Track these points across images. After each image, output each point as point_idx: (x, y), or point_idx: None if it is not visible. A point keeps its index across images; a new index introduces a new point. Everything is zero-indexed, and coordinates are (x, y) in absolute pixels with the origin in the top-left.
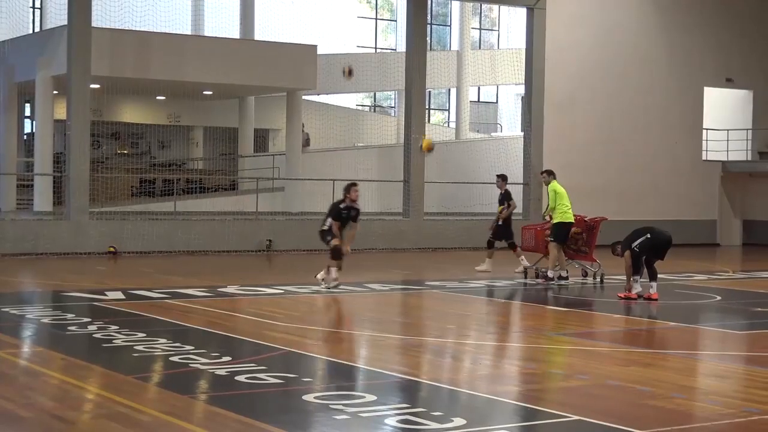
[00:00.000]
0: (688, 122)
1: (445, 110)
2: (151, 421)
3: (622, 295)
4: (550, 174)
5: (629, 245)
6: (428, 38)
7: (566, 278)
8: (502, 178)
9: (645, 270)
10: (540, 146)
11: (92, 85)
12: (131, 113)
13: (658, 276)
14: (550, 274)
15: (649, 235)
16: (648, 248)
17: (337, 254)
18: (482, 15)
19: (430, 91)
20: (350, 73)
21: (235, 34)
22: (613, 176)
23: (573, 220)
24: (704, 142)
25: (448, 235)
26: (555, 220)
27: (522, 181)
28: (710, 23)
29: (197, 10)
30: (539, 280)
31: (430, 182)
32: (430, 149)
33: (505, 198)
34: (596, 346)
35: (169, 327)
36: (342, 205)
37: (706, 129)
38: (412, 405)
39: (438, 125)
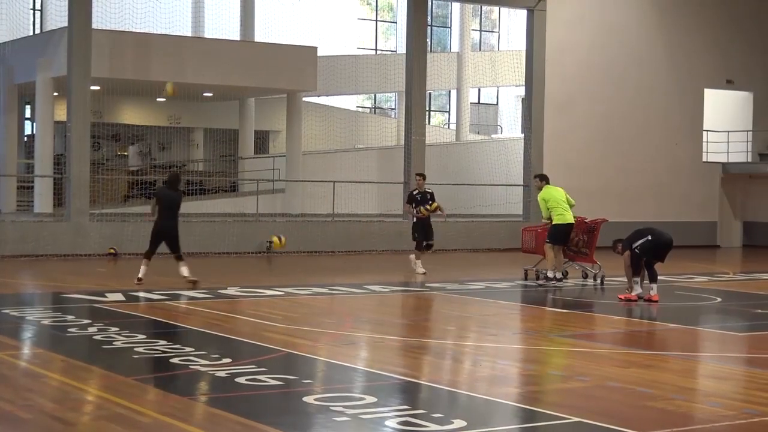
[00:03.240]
0: (689, 124)
1: (446, 112)
2: (151, 422)
3: (623, 297)
4: (542, 179)
5: (630, 245)
6: (428, 40)
7: (559, 279)
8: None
9: (645, 271)
10: (540, 148)
11: (92, 87)
12: (131, 115)
13: (659, 278)
14: (549, 274)
15: (650, 237)
16: (648, 250)
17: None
18: (482, 17)
19: (430, 93)
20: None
21: (236, 35)
22: (613, 177)
23: (571, 221)
24: (704, 144)
25: (448, 236)
26: (554, 222)
27: (522, 183)
28: (710, 25)
29: (197, 11)
30: (540, 281)
31: (430, 184)
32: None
33: (432, 198)
34: (596, 347)
35: (169, 328)
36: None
37: (707, 130)
38: (413, 407)
39: (438, 127)
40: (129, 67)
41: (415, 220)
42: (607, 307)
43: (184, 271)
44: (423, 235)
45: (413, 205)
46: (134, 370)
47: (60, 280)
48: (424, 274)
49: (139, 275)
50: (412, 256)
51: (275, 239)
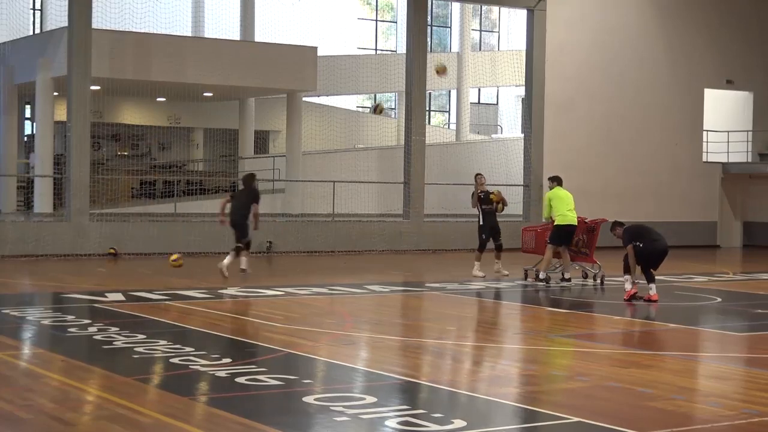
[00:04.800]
0: (689, 124)
1: (446, 112)
2: (152, 422)
3: (626, 296)
4: (553, 180)
5: (631, 241)
6: (428, 40)
7: (546, 280)
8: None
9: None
10: (540, 148)
11: (92, 87)
12: (131, 115)
13: (658, 278)
14: (541, 275)
15: (641, 245)
16: (640, 257)
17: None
18: (482, 16)
19: (430, 93)
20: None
21: (236, 35)
22: (613, 177)
23: (572, 222)
24: (704, 144)
25: (448, 236)
26: (556, 222)
27: (522, 183)
28: (710, 25)
29: (197, 11)
30: (538, 282)
31: (431, 184)
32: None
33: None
34: (596, 347)
35: (170, 328)
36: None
37: (707, 130)
38: (413, 407)
39: (438, 127)
40: (129, 67)
41: (482, 222)
42: (607, 307)
43: (242, 262)
44: (489, 235)
45: (480, 205)
46: (134, 370)
47: (60, 280)
48: (483, 277)
49: (242, 266)
50: (476, 263)
51: (176, 256)
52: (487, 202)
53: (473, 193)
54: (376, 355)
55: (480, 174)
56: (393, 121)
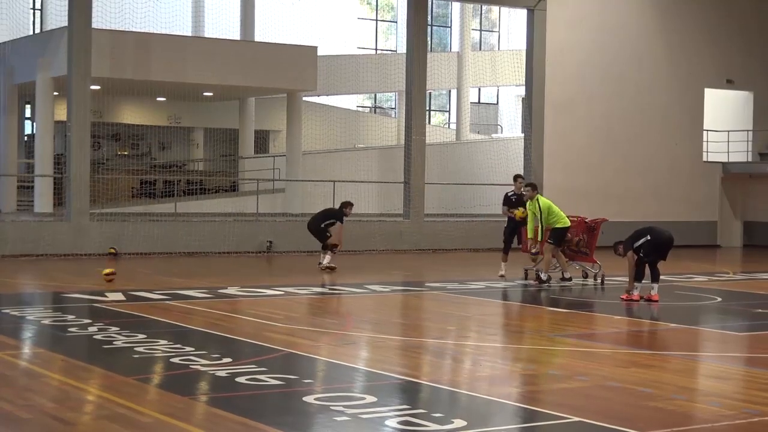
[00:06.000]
0: (689, 123)
1: (446, 111)
2: (152, 422)
3: (624, 297)
4: (535, 189)
5: (631, 245)
6: (429, 39)
7: (569, 279)
8: None
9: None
10: (540, 147)
11: (92, 87)
12: (131, 114)
13: (660, 277)
14: (543, 276)
15: (649, 237)
16: (650, 250)
17: None
18: (482, 16)
19: (430, 93)
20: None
21: (236, 35)
22: (613, 177)
23: (569, 225)
24: (704, 144)
25: (449, 236)
26: (557, 226)
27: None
28: (710, 24)
29: (198, 11)
30: (535, 281)
31: (431, 183)
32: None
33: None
34: (597, 347)
35: (170, 328)
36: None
37: (707, 130)
38: (413, 406)
39: (438, 127)
40: (129, 67)
41: (506, 224)
42: (607, 306)
43: (324, 259)
44: (508, 237)
45: (507, 208)
46: (134, 370)
47: (60, 280)
48: (502, 276)
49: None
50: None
51: (108, 271)
52: (518, 206)
53: (506, 196)
54: (376, 355)
55: (520, 176)
56: (393, 120)
